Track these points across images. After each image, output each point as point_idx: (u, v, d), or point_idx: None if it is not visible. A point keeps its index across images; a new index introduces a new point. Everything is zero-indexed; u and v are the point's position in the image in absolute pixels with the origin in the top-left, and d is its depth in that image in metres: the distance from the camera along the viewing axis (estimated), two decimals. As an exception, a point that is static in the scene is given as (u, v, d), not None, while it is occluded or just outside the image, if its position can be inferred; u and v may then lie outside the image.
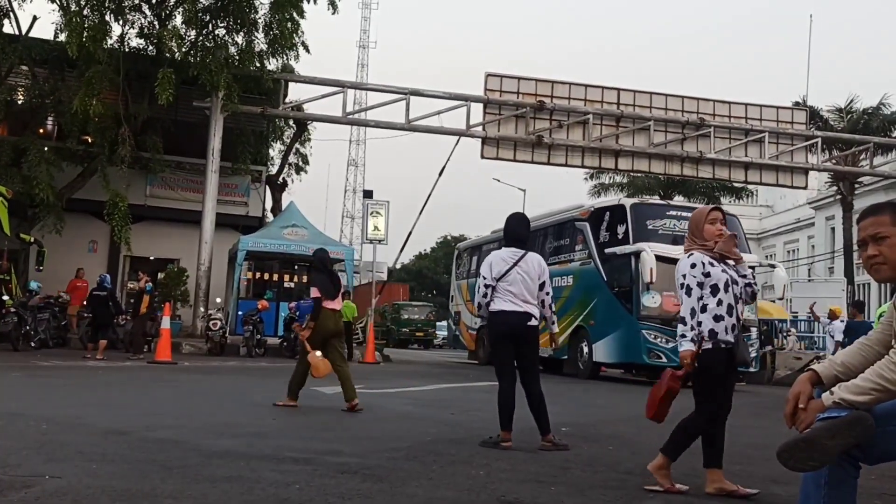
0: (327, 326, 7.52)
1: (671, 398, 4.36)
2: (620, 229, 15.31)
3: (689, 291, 4.28)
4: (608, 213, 16.12)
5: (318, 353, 7.45)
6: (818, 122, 25.57)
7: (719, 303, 4.27)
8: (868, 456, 2.41)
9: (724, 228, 4.46)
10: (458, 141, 20.97)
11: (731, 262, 4.42)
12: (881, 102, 27.10)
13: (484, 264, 5.81)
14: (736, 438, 7.19)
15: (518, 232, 5.90)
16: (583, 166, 22.30)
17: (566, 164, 21.13)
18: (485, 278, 5.69)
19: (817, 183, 32.00)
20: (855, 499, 2.47)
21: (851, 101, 27.57)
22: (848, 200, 27.86)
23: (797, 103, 25.20)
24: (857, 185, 27.48)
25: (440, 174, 22.60)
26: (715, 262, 4.34)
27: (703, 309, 4.26)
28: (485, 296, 5.68)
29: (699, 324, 4.24)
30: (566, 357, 16.52)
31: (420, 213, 22.99)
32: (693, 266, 4.30)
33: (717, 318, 4.24)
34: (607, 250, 15.60)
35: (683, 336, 4.25)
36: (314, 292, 7.64)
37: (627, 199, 19.30)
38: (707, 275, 4.29)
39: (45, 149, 18.47)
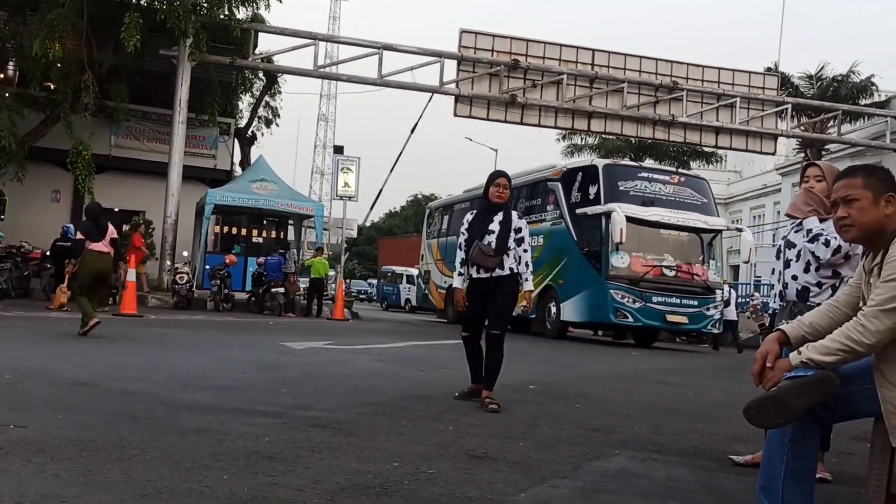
0: (93, 265, 8.99)
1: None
2: (592, 190, 15.38)
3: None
4: (580, 173, 16.18)
5: (66, 289, 9.42)
6: (789, 88, 25.73)
7: (773, 271, 4.13)
8: (832, 415, 2.47)
9: (815, 185, 3.90)
10: (430, 98, 20.77)
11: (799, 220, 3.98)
12: (851, 70, 27.28)
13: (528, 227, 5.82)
14: (700, 399, 7.38)
15: None
16: (556, 127, 22.26)
17: (539, 125, 21.04)
18: None
19: (785, 149, 32.28)
20: (817, 455, 2.54)
21: (822, 68, 27.71)
22: (815, 167, 28.16)
23: (769, 69, 25.30)
24: (824, 153, 27.77)
25: (412, 131, 22.48)
26: (796, 229, 4.01)
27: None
28: None
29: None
30: (534, 316, 16.68)
31: (391, 171, 22.93)
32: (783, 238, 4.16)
33: (770, 288, 4.10)
34: (578, 210, 15.68)
35: None
36: (79, 235, 9.26)
37: (600, 160, 19.35)
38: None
39: (7, 95, 17.91)
